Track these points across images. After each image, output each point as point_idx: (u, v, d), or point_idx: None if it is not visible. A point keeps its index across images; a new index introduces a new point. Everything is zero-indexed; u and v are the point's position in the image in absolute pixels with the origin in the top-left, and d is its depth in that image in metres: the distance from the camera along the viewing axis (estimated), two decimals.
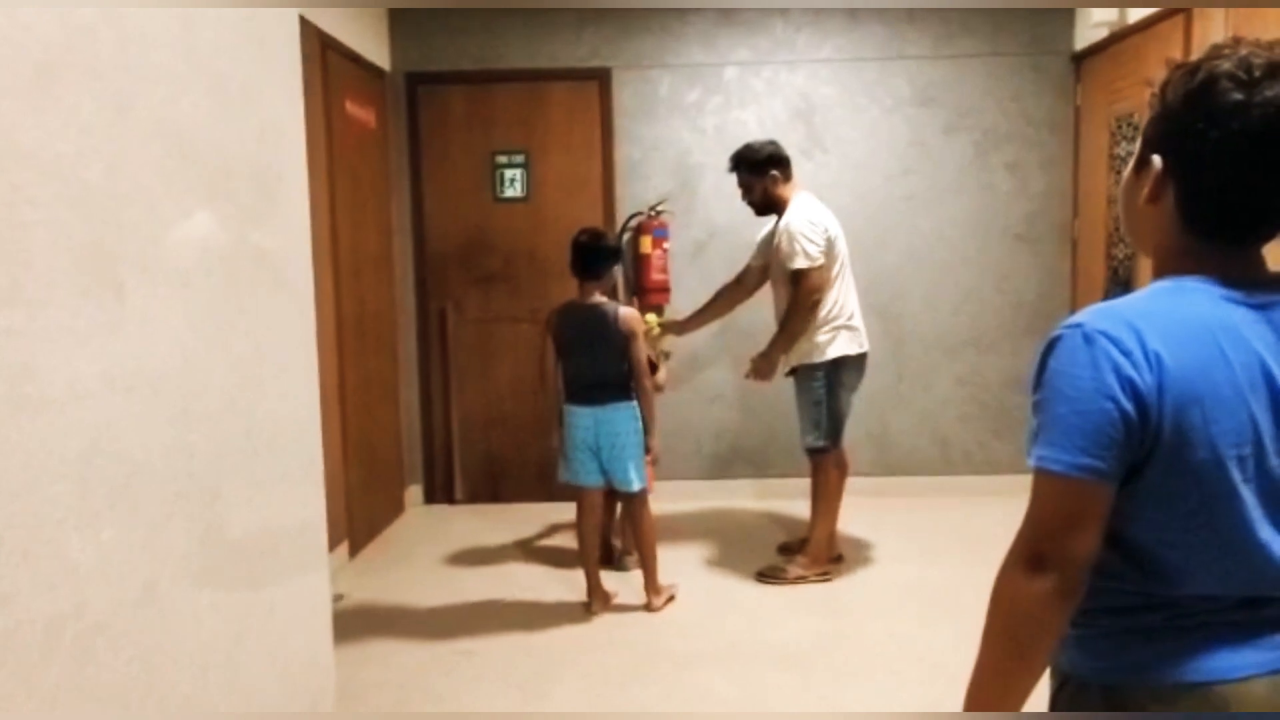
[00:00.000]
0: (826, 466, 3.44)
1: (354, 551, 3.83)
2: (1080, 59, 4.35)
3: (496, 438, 4.55)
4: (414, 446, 4.59)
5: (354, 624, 3.12)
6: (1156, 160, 1.00)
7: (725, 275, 4.63)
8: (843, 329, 3.40)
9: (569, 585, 3.46)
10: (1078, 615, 0.98)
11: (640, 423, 3.13)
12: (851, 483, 4.51)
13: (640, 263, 4.38)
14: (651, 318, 3.72)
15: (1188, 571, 0.95)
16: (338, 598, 3.11)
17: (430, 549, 3.95)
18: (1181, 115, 0.96)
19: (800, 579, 3.41)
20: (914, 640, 2.94)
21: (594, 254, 3.07)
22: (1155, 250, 1.03)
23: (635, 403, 3.12)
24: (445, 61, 4.42)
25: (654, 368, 3.43)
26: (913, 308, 4.53)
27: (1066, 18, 4.40)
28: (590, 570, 3.23)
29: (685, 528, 4.10)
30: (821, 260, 3.27)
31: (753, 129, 4.48)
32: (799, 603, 3.27)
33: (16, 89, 1.23)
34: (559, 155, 4.48)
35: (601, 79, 4.44)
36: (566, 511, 4.03)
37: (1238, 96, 0.92)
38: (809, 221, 3.31)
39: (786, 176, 3.44)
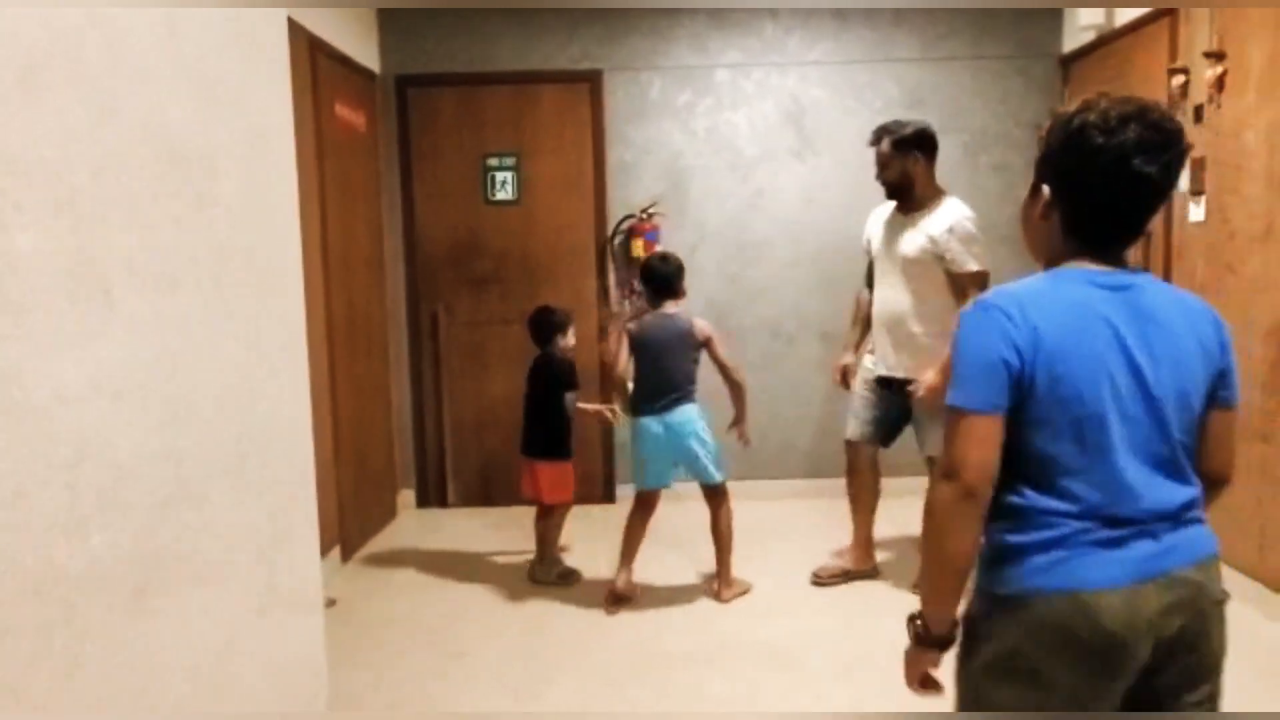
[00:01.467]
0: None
1: (346, 555, 3.82)
2: (1068, 62, 4.38)
3: (489, 441, 4.54)
4: (406, 450, 4.58)
5: (347, 628, 3.11)
6: (1046, 189, 1.33)
7: (718, 277, 4.65)
8: None
9: (563, 587, 3.46)
10: (984, 536, 1.31)
11: (704, 420, 3.31)
12: (846, 484, 4.53)
13: (632, 266, 4.38)
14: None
15: (1064, 481, 1.25)
16: (330, 602, 3.10)
17: (423, 552, 3.94)
18: (1061, 155, 1.30)
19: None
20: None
21: (674, 275, 3.33)
22: (1047, 254, 1.37)
23: (696, 403, 3.31)
24: (435, 63, 4.42)
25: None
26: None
27: (1054, 21, 4.42)
28: (627, 564, 3.35)
29: (683, 528, 4.10)
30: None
31: (744, 131, 4.49)
32: (793, 602, 3.27)
33: (1, 92, 1.22)
34: (550, 157, 4.48)
35: (592, 81, 4.44)
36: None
37: (1100, 141, 1.25)
38: (973, 219, 3.12)
39: (930, 162, 3.18)
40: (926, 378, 3.07)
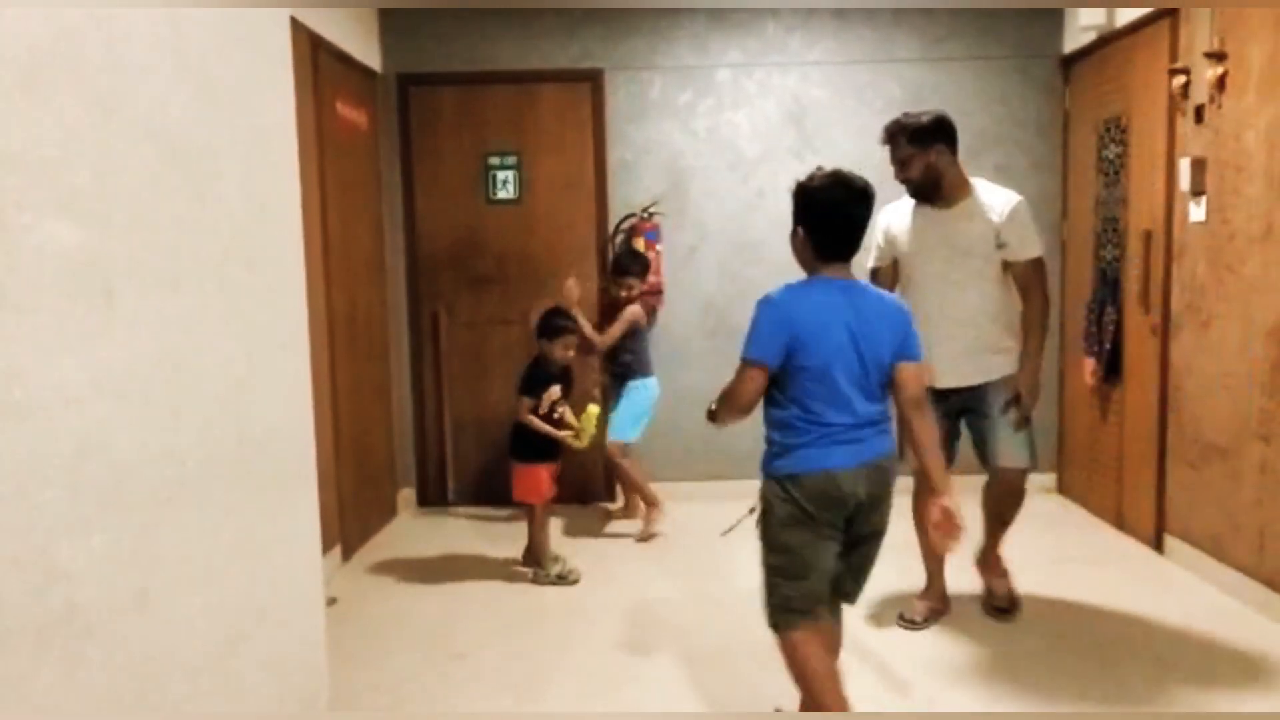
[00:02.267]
0: (1025, 486, 3.03)
1: (347, 555, 3.82)
2: (1069, 62, 4.38)
3: (489, 440, 4.54)
4: (406, 449, 4.58)
5: (347, 627, 3.11)
6: (800, 230, 2.12)
7: (718, 277, 4.65)
8: None
9: (563, 586, 3.47)
10: (767, 442, 2.12)
11: None
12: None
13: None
14: (593, 410, 3.66)
15: (817, 408, 2.04)
16: (331, 601, 3.10)
17: (423, 552, 3.95)
18: (804, 209, 2.11)
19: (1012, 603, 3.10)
20: (905, 639, 2.95)
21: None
22: (807, 269, 2.14)
23: None
24: (437, 63, 4.42)
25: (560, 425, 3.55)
26: None
27: (1055, 21, 4.42)
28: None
29: (683, 528, 4.10)
30: None
31: (745, 131, 4.49)
32: None
33: (3, 91, 1.22)
34: (551, 157, 4.48)
35: (593, 80, 4.44)
36: (562, 513, 4.03)
37: (822, 196, 2.08)
38: (1025, 201, 2.90)
39: (954, 151, 2.89)
40: (1022, 380, 2.86)
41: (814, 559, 2.06)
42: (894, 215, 3.05)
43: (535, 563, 3.56)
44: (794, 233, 2.12)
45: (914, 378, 2.12)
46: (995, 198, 2.88)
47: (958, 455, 3.07)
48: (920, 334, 2.87)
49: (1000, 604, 3.11)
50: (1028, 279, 2.88)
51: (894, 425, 2.15)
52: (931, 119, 2.87)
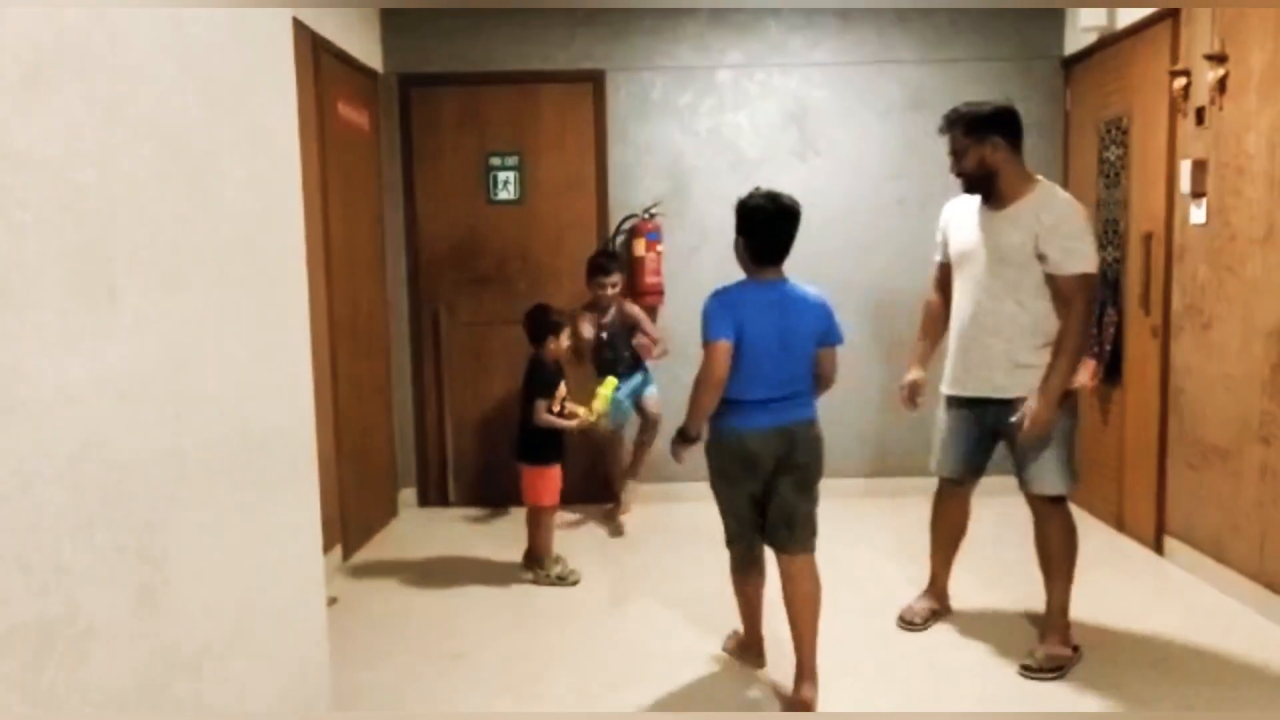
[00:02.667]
0: (1069, 516, 2.77)
1: (347, 554, 3.83)
2: (1069, 64, 4.38)
3: (490, 440, 4.54)
4: (407, 449, 4.59)
5: (348, 627, 3.11)
6: (740, 240, 2.56)
7: (718, 278, 4.62)
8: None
9: (563, 587, 3.47)
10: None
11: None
12: (846, 484, 4.55)
13: (634, 265, 4.38)
14: (611, 381, 3.74)
15: (741, 385, 2.49)
16: (331, 600, 3.10)
17: (424, 551, 3.95)
18: (741, 220, 2.56)
19: (1058, 665, 2.69)
20: (905, 639, 2.95)
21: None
22: (746, 271, 2.60)
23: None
24: (438, 63, 4.42)
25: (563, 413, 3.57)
26: (904, 310, 4.54)
27: (1056, 23, 4.42)
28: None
29: (683, 528, 4.10)
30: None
31: (745, 132, 4.50)
32: None
33: (6, 90, 1.22)
34: (552, 157, 4.48)
35: (595, 81, 4.44)
36: (578, 512, 4.03)
37: (753, 206, 2.54)
38: (1081, 210, 2.68)
39: (1014, 147, 2.70)
40: (1031, 406, 2.63)
41: (732, 504, 2.62)
42: (954, 211, 2.90)
43: (536, 563, 3.56)
44: (736, 242, 2.59)
45: (828, 359, 2.60)
46: (1050, 204, 2.64)
47: (985, 471, 2.95)
48: (954, 338, 2.90)
49: (1033, 664, 2.71)
50: (1065, 295, 2.62)
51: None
52: (992, 109, 2.70)
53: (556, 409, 3.53)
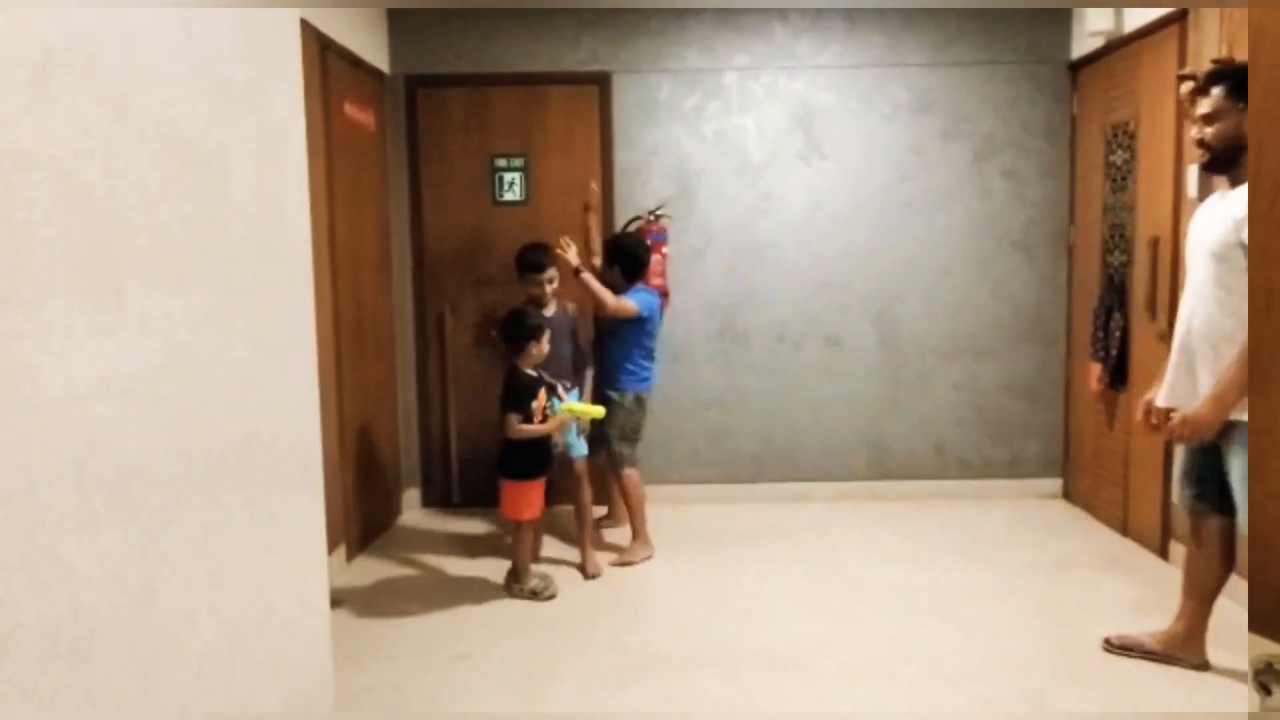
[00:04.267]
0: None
1: (351, 555, 3.83)
2: (1076, 67, 4.37)
3: (494, 442, 4.53)
4: (411, 450, 4.59)
5: (352, 627, 3.11)
6: (616, 266, 3.76)
7: (724, 280, 4.66)
8: None
9: (565, 587, 3.46)
10: (635, 367, 3.78)
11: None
12: (848, 487, 4.55)
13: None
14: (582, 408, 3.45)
15: (646, 357, 3.79)
16: (335, 601, 3.11)
17: (428, 552, 3.95)
18: (612, 248, 3.83)
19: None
20: (908, 642, 2.95)
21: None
22: (621, 286, 3.67)
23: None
24: (444, 64, 4.43)
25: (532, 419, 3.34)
26: (910, 314, 4.54)
27: (1063, 26, 4.42)
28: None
29: (677, 530, 4.09)
30: None
31: (752, 134, 4.49)
32: (794, 606, 3.27)
33: (14, 89, 1.23)
34: (558, 159, 4.48)
35: (601, 83, 4.44)
36: (563, 515, 4.02)
37: (629, 245, 3.83)
38: None
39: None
40: (1191, 408, 2.40)
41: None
42: (1202, 207, 2.62)
43: (512, 576, 3.46)
44: (611, 267, 3.70)
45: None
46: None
47: (1208, 492, 2.61)
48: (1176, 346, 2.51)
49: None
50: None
51: None
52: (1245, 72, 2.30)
53: (538, 419, 3.37)
